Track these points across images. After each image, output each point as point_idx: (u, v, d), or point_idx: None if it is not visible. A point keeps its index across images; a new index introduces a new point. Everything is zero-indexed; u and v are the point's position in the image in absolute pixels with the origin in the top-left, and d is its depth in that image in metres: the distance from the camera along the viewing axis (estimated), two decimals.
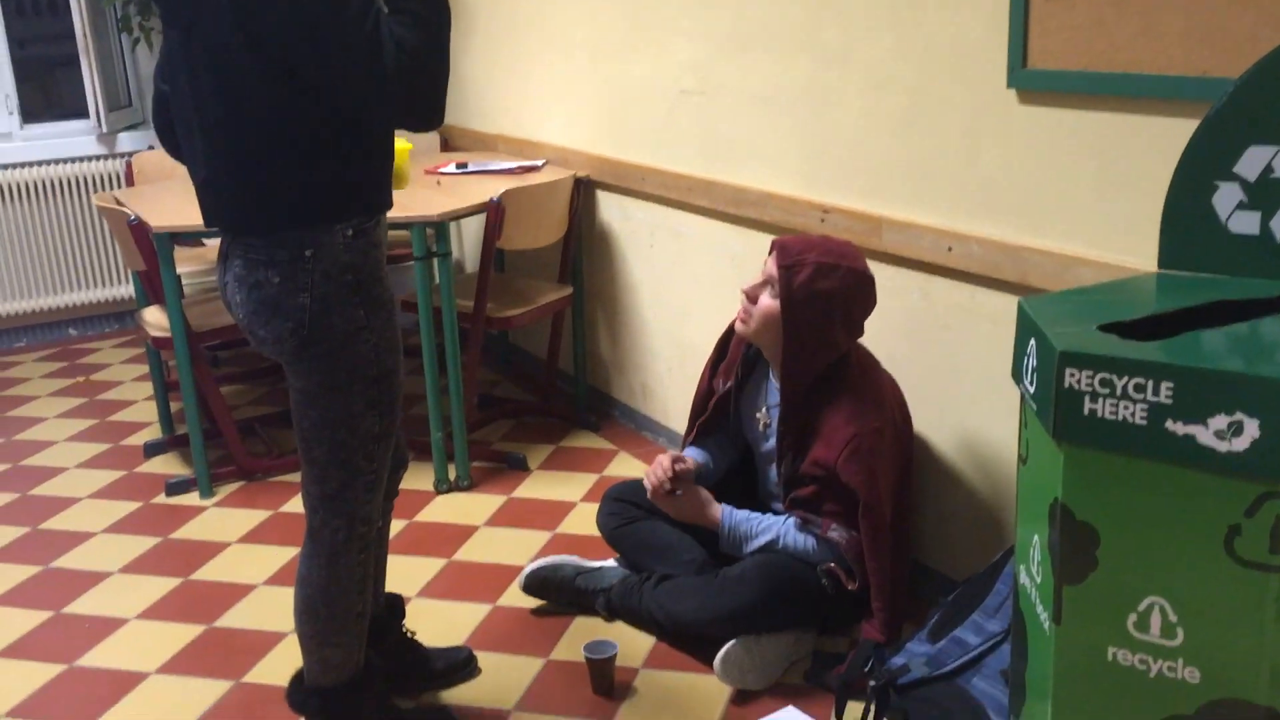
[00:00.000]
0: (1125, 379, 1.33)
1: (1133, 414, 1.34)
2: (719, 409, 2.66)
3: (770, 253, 2.43)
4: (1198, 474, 1.31)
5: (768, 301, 2.41)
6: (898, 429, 2.43)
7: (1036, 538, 1.52)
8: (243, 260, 1.86)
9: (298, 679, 2.09)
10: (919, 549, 2.67)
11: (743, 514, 2.50)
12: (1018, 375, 1.56)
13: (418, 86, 1.75)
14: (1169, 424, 1.31)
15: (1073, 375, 1.37)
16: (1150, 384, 1.32)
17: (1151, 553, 1.36)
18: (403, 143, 3.07)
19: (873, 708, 2.13)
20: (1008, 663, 2.09)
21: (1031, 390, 1.49)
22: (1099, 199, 2.10)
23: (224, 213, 1.89)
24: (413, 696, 2.34)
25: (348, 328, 1.86)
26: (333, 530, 1.97)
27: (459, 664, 2.41)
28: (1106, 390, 1.35)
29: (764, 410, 2.54)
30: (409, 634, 2.40)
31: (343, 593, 1.99)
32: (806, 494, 2.43)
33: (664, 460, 2.55)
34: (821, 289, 2.34)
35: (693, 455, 2.66)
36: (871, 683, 2.14)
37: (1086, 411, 1.36)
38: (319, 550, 1.98)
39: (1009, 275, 2.28)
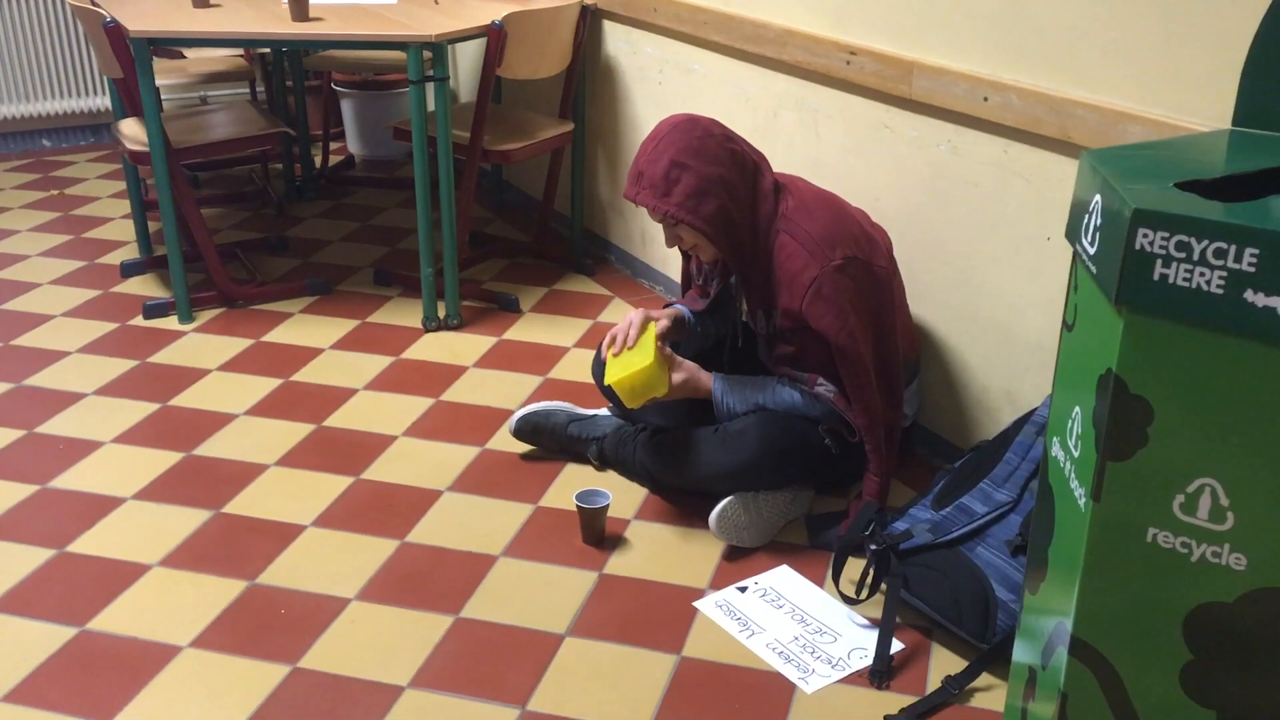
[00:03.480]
0: (1205, 243, 1.20)
1: (1209, 281, 1.21)
2: (708, 299, 2.52)
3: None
4: (1273, 350, 1.19)
5: (685, 236, 2.27)
6: (868, 265, 2.27)
7: (1078, 409, 1.42)
8: None
9: None
10: (926, 414, 2.58)
11: (734, 379, 2.39)
12: (1074, 234, 1.43)
13: None
14: (1248, 294, 1.19)
15: (1145, 236, 1.23)
16: (1233, 250, 1.19)
17: (1209, 432, 1.26)
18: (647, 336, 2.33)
19: (872, 571, 2.07)
20: (1014, 533, 2.03)
21: (1091, 251, 1.36)
22: (1159, 49, 1.93)
23: None
24: None
25: None
26: None
27: None
28: (1182, 254, 1.22)
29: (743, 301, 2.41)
30: None
31: None
32: (789, 352, 2.32)
33: (634, 316, 2.37)
34: (695, 184, 2.18)
35: (676, 308, 2.52)
36: (872, 546, 2.07)
37: (1156, 276, 1.23)
38: None
39: (1049, 130, 2.12)
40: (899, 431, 2.38)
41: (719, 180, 2.21)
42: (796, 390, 2.32)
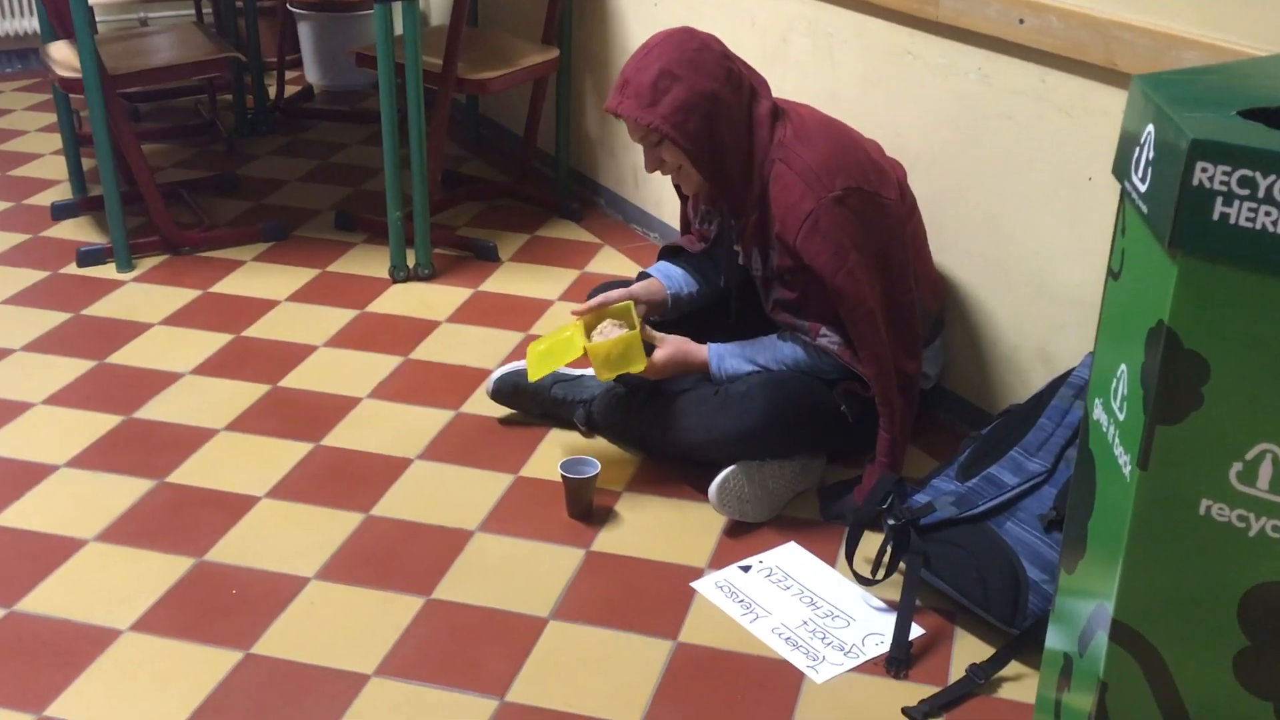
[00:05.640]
0: (1272, 178, 1.18)
1: (1275, 222, 1.19)
2: (705, 244, 2.50)
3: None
4: None
5: (668, 158, 2.26)
6: (873, 196, 2.26)
7: (1124, 367, 1.40)
8: None
9: None
10: (950, 376, 2.57)
11: (731, 346, 2.37)
12: (1122, 170, 1.41)
13: None
14: None
15: (1204, 171, 1.21)
16: None
17: (1271, 392, 1.24)
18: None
19: (889, 549, 2.07)
20: (1048, 506, 2.02)
21: (1142, 189, 1.33)
22: None
23: None
24: None
25: None
26: None
27: None
28: (1245, 191, 1.20)
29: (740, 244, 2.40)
30: None
31: None
32: (789, 298, 2.30)
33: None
34: (684, 96, 2.17)
35: (655, 279, 2.50)
36: (890, 521, 2.06)
37: (1216, 216, 1.21)
38: None
39: (1092, 56, 2.10)
40: (917, 385, 2.36)
41: (711, 96, 2.19)
42: (798, 343, 2.31)
